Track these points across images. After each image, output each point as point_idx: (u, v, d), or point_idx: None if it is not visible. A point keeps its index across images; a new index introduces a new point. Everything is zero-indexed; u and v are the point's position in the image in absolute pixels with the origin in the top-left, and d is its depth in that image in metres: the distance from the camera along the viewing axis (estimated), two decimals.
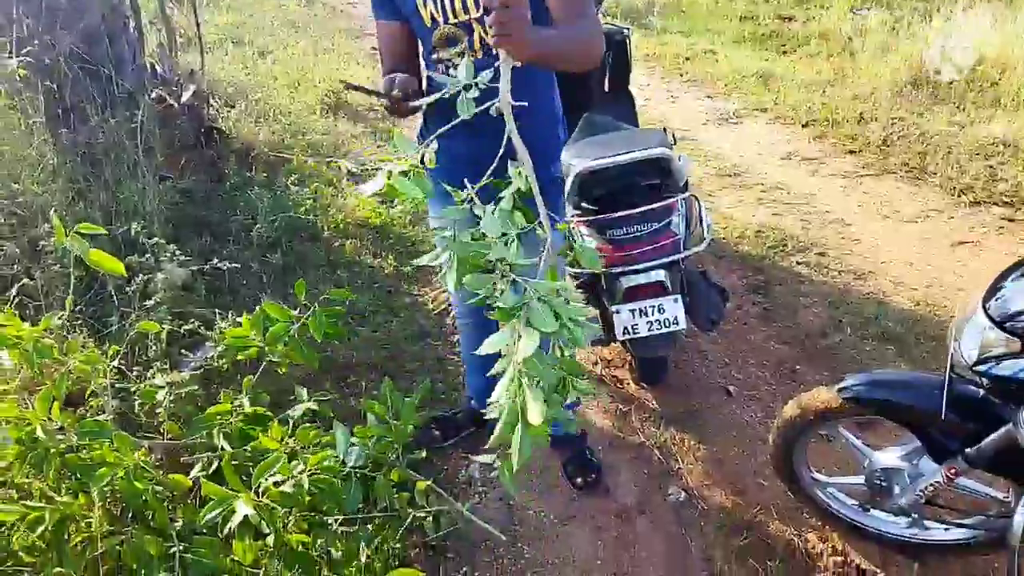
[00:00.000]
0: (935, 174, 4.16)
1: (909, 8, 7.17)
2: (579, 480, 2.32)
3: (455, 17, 1.71)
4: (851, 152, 4.50)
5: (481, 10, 1.67)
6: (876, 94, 5.20)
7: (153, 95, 3.43)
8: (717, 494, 2.27)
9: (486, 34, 1.70)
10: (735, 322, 3.03)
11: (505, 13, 1.35)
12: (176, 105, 3.61)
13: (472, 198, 1.22)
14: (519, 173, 1.19)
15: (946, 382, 1.57)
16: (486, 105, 1.29)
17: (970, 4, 6.85)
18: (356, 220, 3.72)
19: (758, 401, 2.64)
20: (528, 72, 1.63)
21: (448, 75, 1.77)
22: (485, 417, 2.48)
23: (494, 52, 1.69)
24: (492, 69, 1.33)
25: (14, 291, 2.25)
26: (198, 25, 4.58)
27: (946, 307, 3.05)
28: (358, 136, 4.78)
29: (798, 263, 3.41)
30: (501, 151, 1.27)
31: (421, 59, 1.88)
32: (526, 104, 1.27)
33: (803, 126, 4.89)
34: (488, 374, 1.17)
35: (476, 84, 1.30)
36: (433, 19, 1.73)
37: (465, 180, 1.27)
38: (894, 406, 1.72)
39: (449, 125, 1.35)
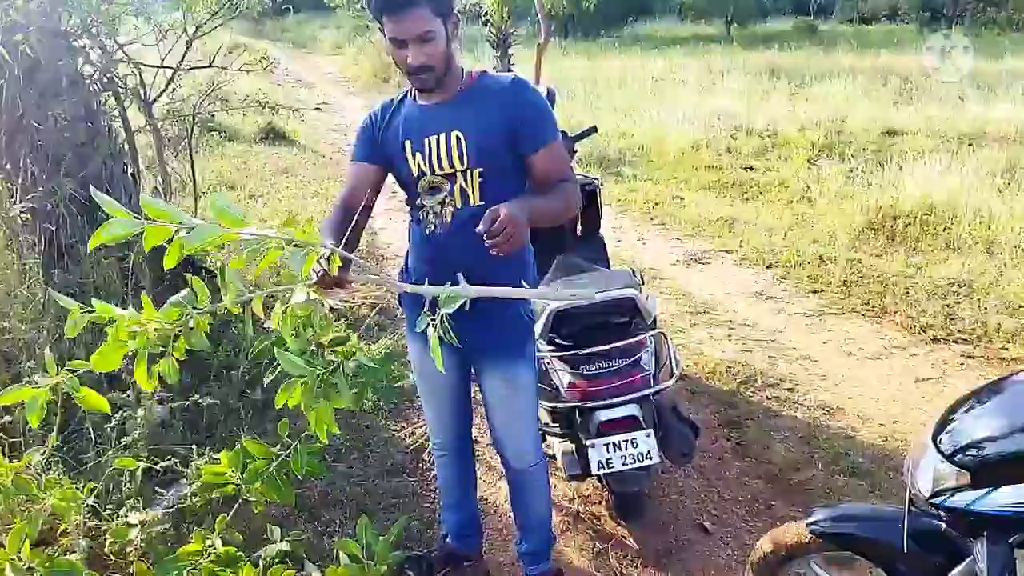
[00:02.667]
0: (895, 313, 4.35)
1: (862, 159, 7.71)
2: None
3: (440, 169, 1.88)
4: (814, 292, 4.71)
5: (465, 164, 1.86)
6: (835, 238, 5.51)
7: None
8: None
9: (467, 184, 1.88)
10: (710, 457, 3.07)
11: (506, 236, 1.54)
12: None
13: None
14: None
15: (905, 516, 1.62)
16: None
17: (920, 155, 7.40)
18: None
19: (735, 538, 2.64)
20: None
21: (430, 220, 1.93)
22: (461, 556, 2.45)
23: (471, 202, 1.87)
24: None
25: None
26: (193, 170, 4.84)
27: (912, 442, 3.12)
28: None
29: (768, 398, 3.50)
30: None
31: (371, 207, 2.02)
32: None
33: (767, 267, 5.14)
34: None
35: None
36: (420, 170, 1.90)
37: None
38: (859, 540, 1.75)
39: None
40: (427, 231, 1.96)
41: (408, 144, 1.90)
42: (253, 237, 1.29)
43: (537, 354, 2.48)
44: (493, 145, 1.85)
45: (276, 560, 1.90)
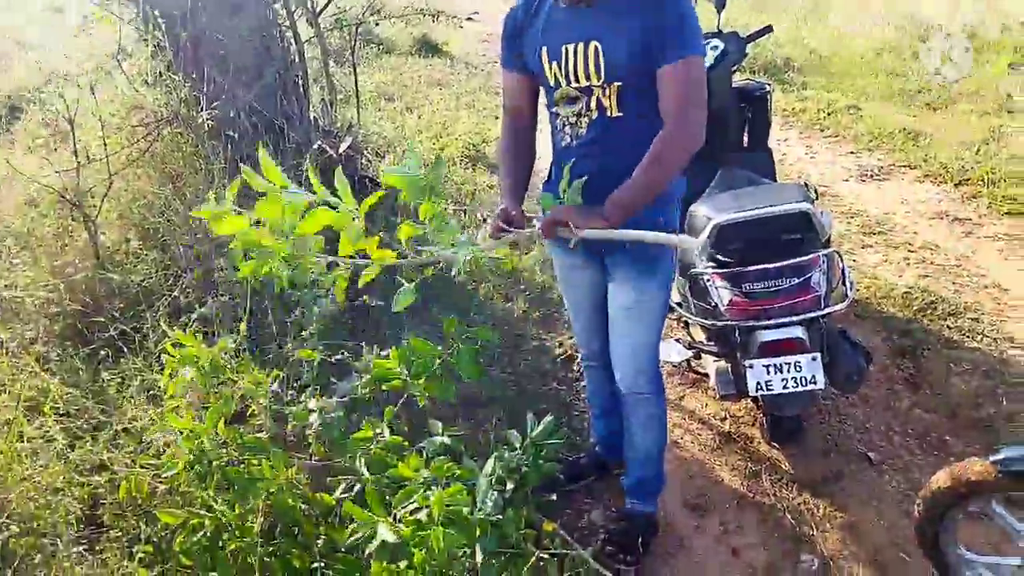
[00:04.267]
0: None
1: None
2: (617, 558, 2.17)
3: (576, 82, 1.80)
4: (1009, 214, 4.20)
5: (602, 78, 1.76)
6: None
7: (316, 146, 3.75)
8: (854, 565, 2.16)
9: (604, 96, 1.79)
10: (878, 386, 2.89)
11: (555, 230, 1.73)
12: (335, 155, 3.92)
13: None
14: None
15: None
16: None
17: None
18: (488, 265, 3.86)
19: (902, 471, 2.50)
20: (637, 132, 1.73)
21: (565, 132, 1.90)
22: (609, 464, 2.45)
23: (608, 113, 1.78)
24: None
25: (193, 316, 2.51)
26: (356, 83, 4.99)
27: None
28: (494, 186, 4.98)
29: (949, 328, 3.21)
30: None
31: (542, 106, 1.99)
32: None
33: (955, 185, 4.63)
34: None
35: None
36: (556, 80, 1.83)
37: None
38: None
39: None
40: (562, 143, 1.92)
41: (545, 51, 1.81)
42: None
43: (694, 271, 2.40)
44: (631, 58, 1.72)
45: (438, 452, 2.00)
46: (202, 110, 3.15)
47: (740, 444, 2.67)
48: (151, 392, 2.48)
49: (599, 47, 1.73)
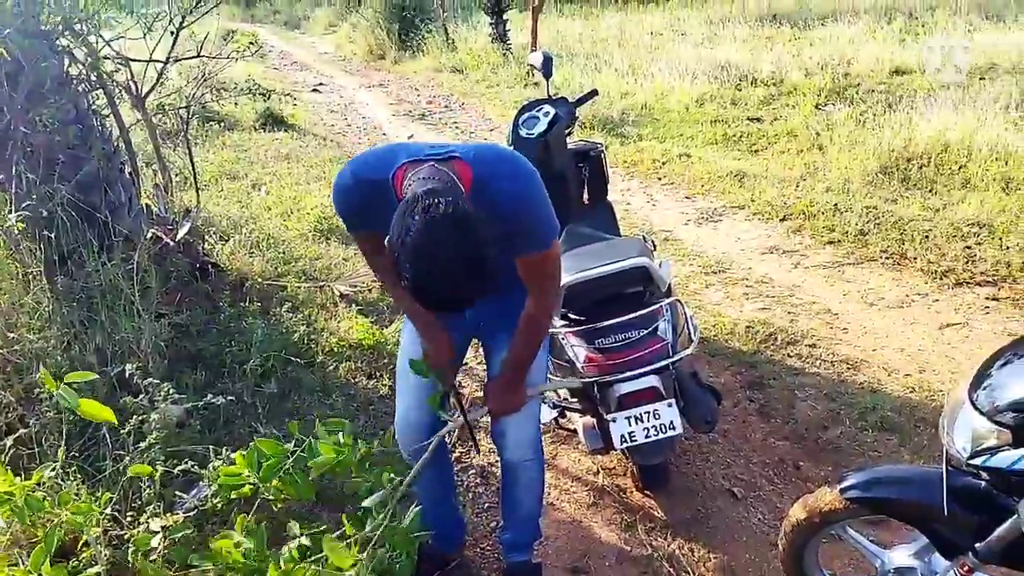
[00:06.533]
0: (915, 259, 4.25)
1: (872, 101, 7.52)
2: None
3: None
4: (830, 243, 4.61)
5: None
6: (848, 185, 5.38)
7: (149, 235, 3.53)
8: None
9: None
10: (733, 421, 3.02)
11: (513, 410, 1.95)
12: (172, 243, 3.71)
13: None
14: None
15: (944, 476, 1.56)
16: None
17: (930, 94, 7.20)
18: (350, 342, 3.74)
19: (764, 502, 2.60)
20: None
21: None
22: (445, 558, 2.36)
23: None
24: None
25: (9, 441, 2.24)
26: (193, 164, 4.77)
27: (941, 391, 3.06)
28: (349, 259, 4.87)
29: (790, 356, 3.43)
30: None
31: None
32: None
33: (781, 220, 5.03)
34: None
35: None
36: None
37: None
38: (896, 503, 1.70)
39: None
40: None
41: None
42: None
43: (552, 330, 2.42)
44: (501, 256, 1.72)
45: (299, 556, 1.87)
46: (12, 210, 2.88)
47: (614, 497, 2.69)
48: None
49: None
